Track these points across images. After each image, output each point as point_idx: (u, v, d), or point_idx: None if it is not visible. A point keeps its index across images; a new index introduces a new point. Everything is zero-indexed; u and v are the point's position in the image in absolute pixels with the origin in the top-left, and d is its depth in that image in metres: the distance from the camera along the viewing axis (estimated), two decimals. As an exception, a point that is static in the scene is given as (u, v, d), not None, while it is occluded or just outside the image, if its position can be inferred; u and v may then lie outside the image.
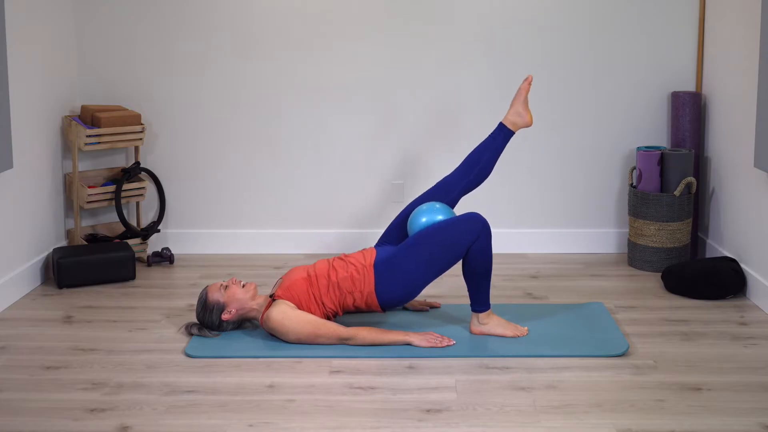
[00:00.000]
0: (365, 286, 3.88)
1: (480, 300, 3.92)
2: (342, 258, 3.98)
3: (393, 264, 3.87)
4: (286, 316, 3.80)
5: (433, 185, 4.34)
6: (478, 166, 4.15)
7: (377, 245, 4.15)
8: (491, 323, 3.95)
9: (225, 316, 3.92)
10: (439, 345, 3.79)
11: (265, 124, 5.25)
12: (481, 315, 3.94)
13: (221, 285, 3.96)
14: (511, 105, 4.17)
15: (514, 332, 3.92)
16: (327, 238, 5.32)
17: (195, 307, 4.23)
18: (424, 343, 3.79)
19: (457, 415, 3.20)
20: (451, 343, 3.81)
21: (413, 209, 4.12)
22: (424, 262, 3.84)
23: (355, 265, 3.91)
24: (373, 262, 3.90)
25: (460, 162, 4.31)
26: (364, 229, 5.31)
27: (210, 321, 3.95)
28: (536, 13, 5.13)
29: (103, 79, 5.21)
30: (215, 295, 3.94)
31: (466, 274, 3.88)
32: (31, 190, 4.68)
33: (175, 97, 5.23)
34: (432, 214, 3.97)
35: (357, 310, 3.97)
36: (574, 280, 4.79)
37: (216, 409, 3.26)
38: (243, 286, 3.97)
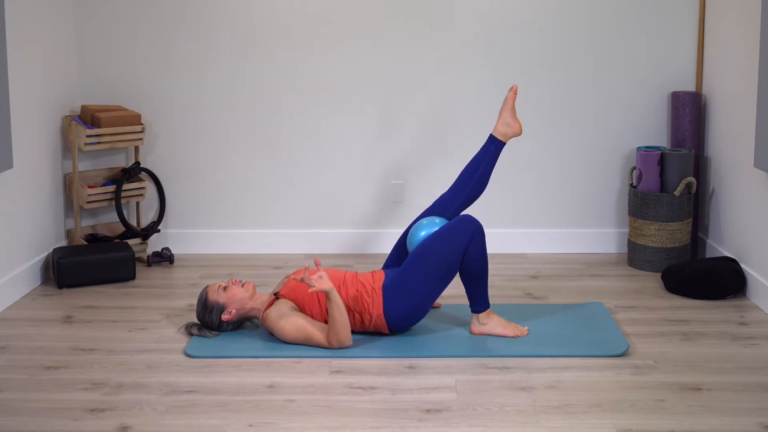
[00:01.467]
0: (374, 308, 3.84)
1: (479, 300, 3.92)
2: (355, 275, 3.94)
3: (397, 285, 3.84)
4: (284, 318, 3.79)
5: (430, 204, 4.30)
6: (473, 180, 4.12)
7: (384, 268, 4.13)
8: (491, 323, 3.94)
9: (225, 317, 3.92)
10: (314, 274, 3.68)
11: (265, 124, 5.25)
12: (481, 315, 3.94)
13: (220, 286, 3.95)
14: (499, 116, 4.14)
15: (514, 332, 3.92)
16: (327, 238, 5.32)
17: (195, 307, 4.23)
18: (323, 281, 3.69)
19: (457, 415, 3.20)
20: (316, 264, 3.71)
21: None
22: (426, 277, 3.81)
23: (365, 286, 3.87)
24: (381, 286, 3.87)
25: (457, 174, 4.28)
26: (364, 229, 5.31)
27: (210, 321, 3.94)
28: (536, 13, 5.13)
29: (103, 79, 5.21)
30: (215, 296, 3.93)
31: (464, 275, 3.87)
32: (31, 190, 4.68)
33: (175, 97, 5.23)
34: (430, 228, 3.93)
35: (363, 330, 3.91)
36: (574, 280, 4.79)
37: (216, 409, 3.26)
38: (242, 285, 3.97)
